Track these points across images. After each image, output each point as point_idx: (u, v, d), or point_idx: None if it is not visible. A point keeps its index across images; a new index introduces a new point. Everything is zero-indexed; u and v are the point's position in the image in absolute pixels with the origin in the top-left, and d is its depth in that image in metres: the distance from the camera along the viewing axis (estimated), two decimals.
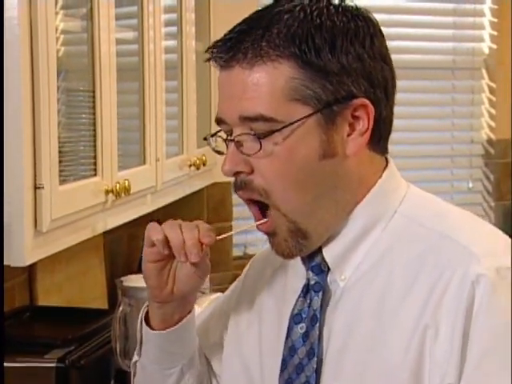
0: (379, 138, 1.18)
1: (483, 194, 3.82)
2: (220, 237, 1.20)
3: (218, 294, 2.16)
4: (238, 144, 1.15)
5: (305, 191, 1.14)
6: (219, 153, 1.20)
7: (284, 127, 1.12)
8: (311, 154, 1.13)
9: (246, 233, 3.21)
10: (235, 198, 3.16)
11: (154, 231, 1.19)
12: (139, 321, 1.31)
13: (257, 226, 1.18)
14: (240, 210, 3.16)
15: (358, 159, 1.16)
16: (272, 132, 1.12)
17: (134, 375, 1.38)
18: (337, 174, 1.15)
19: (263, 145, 1.12)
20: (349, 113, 1.14)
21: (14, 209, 1.58)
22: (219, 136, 1.19)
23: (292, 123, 1.12)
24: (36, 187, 1.61)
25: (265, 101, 1.12)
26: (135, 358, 1.36)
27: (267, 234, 1.18)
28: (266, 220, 1.17)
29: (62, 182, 1.72)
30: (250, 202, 1.18)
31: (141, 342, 1.32)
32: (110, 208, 1.97)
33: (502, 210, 3.80)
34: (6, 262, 1.62)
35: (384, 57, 1.17)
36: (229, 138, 1.16)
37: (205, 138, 1.22)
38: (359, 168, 1.17)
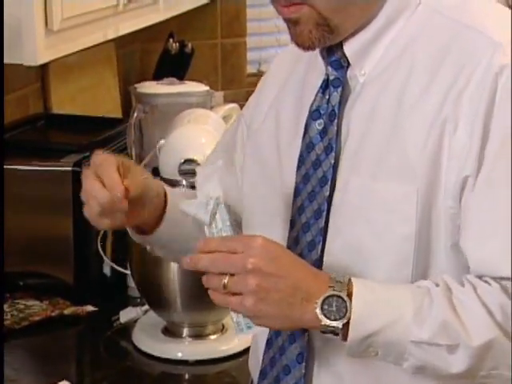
0: None
1: None
2: None
3: (234, 105, 2.14)
4: None
5: None
6: None
7: None
8: None
9: (261, 49, 3.16)
10: (250, 13, 3.09)
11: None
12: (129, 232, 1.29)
13: (281, 11, 1.13)
14: (254, 25, 3.11)
15: None
16: None
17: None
18: None
19: None
20: None
21: (25, 7, 1.56)
22: None
23: None
24: None
25: None
26: (147, 246, 1.34)
27: (289, 20, 1.14)
28: None
29: None
30: None
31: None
32: (121, 12, 1.94)
33: None
34: (18, 61, 1.61)
35: None
36: None
37: None
38: None
